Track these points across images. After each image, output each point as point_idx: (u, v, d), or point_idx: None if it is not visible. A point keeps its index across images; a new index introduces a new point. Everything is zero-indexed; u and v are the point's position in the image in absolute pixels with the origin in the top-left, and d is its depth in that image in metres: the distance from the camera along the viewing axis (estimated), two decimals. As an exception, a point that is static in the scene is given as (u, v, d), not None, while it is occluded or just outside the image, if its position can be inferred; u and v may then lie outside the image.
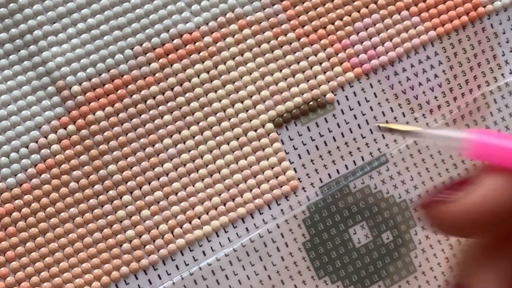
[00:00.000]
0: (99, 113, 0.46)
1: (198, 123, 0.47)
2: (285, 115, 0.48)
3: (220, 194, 0.47)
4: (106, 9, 0.46)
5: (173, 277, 0.47)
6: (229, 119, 0.48)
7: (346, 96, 0.49)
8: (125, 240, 0.46)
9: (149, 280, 0.47)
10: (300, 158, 0.48)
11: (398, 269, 0.49)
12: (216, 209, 0.47)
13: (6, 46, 0.46)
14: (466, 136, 0.36)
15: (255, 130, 0.48)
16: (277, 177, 0.48)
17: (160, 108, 0.47)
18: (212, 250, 0.47)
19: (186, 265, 0.47)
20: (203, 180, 0.47)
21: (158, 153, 0.47)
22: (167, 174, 0.47)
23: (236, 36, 0.48)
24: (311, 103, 0.48)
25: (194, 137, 0.47)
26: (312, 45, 0.48)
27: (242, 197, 0.48)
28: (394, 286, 0.49)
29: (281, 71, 0.48)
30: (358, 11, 0.49)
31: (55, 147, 0.46)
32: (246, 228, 0.48)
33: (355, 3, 0.49)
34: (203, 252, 0.47)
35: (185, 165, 0.47)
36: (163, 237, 0.47)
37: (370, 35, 0.49)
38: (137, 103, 0.47)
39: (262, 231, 0.48)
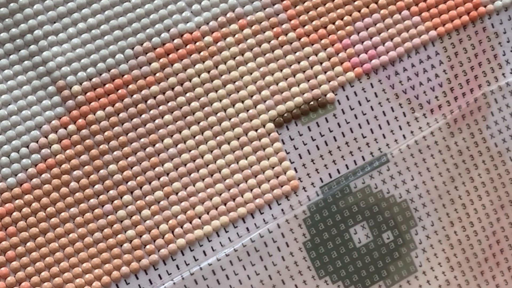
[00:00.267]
0: (100, 113, 0.46)
1: (198, 122, 0.47)
2: (285, 114, 0.48)
3: (220, 194, 0.47)
4: (106, 9, 0.46)
5: (173, 276, 0.47)
6: (230, 119, 0.48)
7: (346, 96, 0.49)
8: (125, 239, 0.46)
9: (149, 280, 0.47)
10: (301, 157, 0.48)
11: (399, 269, 0.49)
12: (216, 208, 0.47)
13: (6, 46, 0.46)
14: None
15: (256, 130, 0.48)
16: (277, 177, 0.48)
17: (161, 107, 0.47)
18: (213, 250, 0.47)
19: (187, 265, 0.47)
20: (203, 179, 0.47)
21: (159, 152, 0.47)
22: (168, 174, 0.47)
23: (236, 35, 0.48)
24: (312, 102, 0.48)
25: (194, 136, 0.47)
26: (312, 44, 0.48)
27: (242, 196, 0.48)
28: (395, 285, 0.49)
29: (281, 70, 0.48)
30: (359, 11, 0.49)
31: (55, 146, 0.46)
32: (247, 228, 0.48)
33: (356, 2, 0.49)
34: (204, 252, 0.47)
35: (185, 164, 0.47)
36: (163, 237, 0.47)
37: (371, 35, 0.49)
38: (138, 103, 0.47)
39: (263, 231, 0.48)
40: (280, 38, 0.48)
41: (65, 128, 0.46)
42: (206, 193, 0.47)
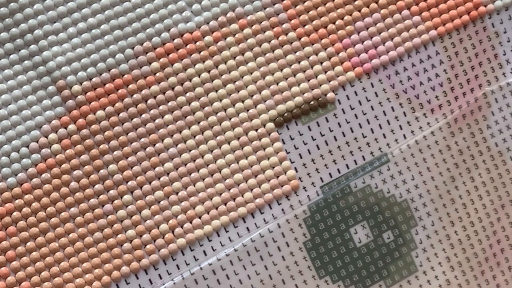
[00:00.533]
0: (100, 113, 0.46)
1: (199, 122, 0.47)
2: (286, 114, 0.48)
3: (221, 194, 0.47)
4: (106, 9, 0.46)
5: (174, 276, 0.47)
6: (230, 119, 0.48)
7: (347, 95, 0.49)
8: (125, 239, 0.46)
9: (149, 279, 0.47)
10: (301, 157, 0.48)
11: (399, 269, 0.49)
12: (217, 208, 0.47)
13: (6, 46, 0.45)
14: None
15: (256, 130, 0.48)
16: (278, 177, 0.48)
17: (161, 107, 0.47)
18: (213, 250, 0.47)
19: (187, 264, 0.47)
20: (203, 179, 0.47)
21: (159, 152, 0.47)
22: (168, 174, 0.47)
23: (236, 35, 0.48)
24: (312, 102, 0.48)
25: (194, 136, 0.47)
26: (313, 44, 0.48)
27: (243, 196, 0.48)
28: (395, 285, 0.49)
29: (282, 70, 0.48)
30: (359, 10, 0.49)
31: (55, 146, 0.46)
32: (247, 228, 0.48)
33: (356, 2, 0.49)
34: (204, 251, 0.47)
35: (185, 164, 0.47)
36: (163, 237, 0.47)
37: (371, 34, 0.49)
38: (138, 103, 0.47)
39: (263, 230, 0.48)
40: (280, 38, 0.48)
41: (65, 128, 0.46)
42: (207, 193, 0.47)
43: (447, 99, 0.50)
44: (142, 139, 0.47)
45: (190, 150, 0.47)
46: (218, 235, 0.47)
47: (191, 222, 0.47)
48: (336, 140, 0.49)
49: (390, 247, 0.49)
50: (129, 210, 0.46)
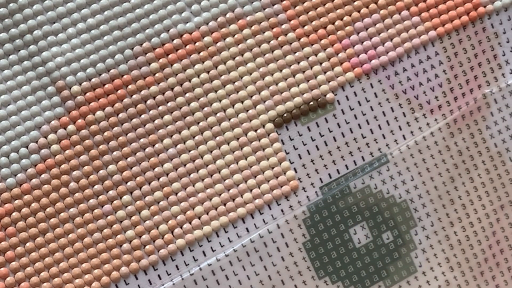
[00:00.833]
0: (99, 113, 0.46)
1: (198, 123, 0.47)
2: (285, 115, 0.48)
3: (220, 194, 0.47)
4: (106, 9, 0.46)
5: (173, 277, 0.47)
6: (229, 119, 0.47)
7: (346, 96, 0.49)
8: (125, 240, 0.46)
9: (149, 280, 0.47)
10: (301, 158, 0.48)
11: (399, 269, 0.49)
12: (216, 209, 0.47)
13: (6, 46, 0.45)
14: None
15: (255, 130, 0.48)
16: (277, 177, 0.48)
17: (160, 108, 0.47)
18: (212, 250, 0.47)
19: (186, 265, 0.47)
20: (203, 180, 0.47)
21: (158, 153, 0.47)
22: (167, 174, 0.47)
23: (236, 36, 0.48)
24: (312, 103, 0.48)
25: (194, 137, 0.47)
26: (312, 45, 0.48)
27: (242, 197, 0.48)
28: (395, 286, 0.49)
29: (281, 71, 0.48)
30: (359, 11, 0.49)
31: (55, 147, 0.46)
32: (247, 228, 0.48)
33: (356, 2, 0.49)
34: (203, 252, 0.47)
35: (185, 165, 0.47)
36: (163, 237, 0.47)
37: (371, 35, 0.49)
38: (137, 103, 0.47)
39: (262, 231, 0.48)
40: (279, 39, 0.48)
41: (65, 129, 0.46)
42: (206, 194, 0.47)
43: (447, 100, 0.50)
44: (142, 140, 0.47)
45: (189, 151, 0.47)
46: (218, 236, 0.47)
47: (190, 223, 0.47)
48: (335, 140, 0.49)
49: (389, 248, 0.49)
50: (129, 210, 0.46)
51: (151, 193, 0.47)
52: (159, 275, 0.47)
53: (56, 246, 0.46)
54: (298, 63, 0.48)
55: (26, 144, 0.46)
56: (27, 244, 0.45)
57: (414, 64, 0.49)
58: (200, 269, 0.47)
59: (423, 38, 0.49)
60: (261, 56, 0.48)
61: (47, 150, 0.46)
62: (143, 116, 0.47)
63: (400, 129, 0.49)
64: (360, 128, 0.49)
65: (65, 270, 0.46)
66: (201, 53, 0.47)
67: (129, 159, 0.47)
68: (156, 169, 0.47)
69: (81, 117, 0.46)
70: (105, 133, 0.46)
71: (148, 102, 0.47)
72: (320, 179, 0.48)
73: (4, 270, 0.45)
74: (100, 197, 0.46)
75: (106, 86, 0.46)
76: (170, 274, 0.47)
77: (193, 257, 0.47)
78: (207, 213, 0.47)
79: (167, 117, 0.47)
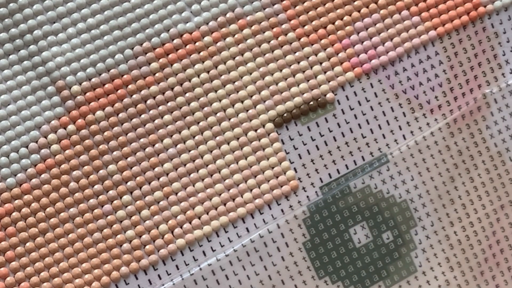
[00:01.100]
0: (99, 113, 0.46)
1: (198, 123, 0.47)
2: (285, 114, 0.48)
3: (220, 194, 0.47)
4: (106, 9, 0.46)
5: (173, 277, 0.47)
6: (229, 119, 0.47)
7: (346, 96, 0.49)
8: (125, 240, 0.46)
9: (149, 280, 0.47)
10: (301, 158, 0.48)
11: (399, 269, 0.49)
12: (216, 209, 0.47)
13: (6, 46, 0.45)
14: None
15: (255, 130, 0.48)
16: (277, 177, 0.48)
17: (160, 108, 0.47)
18: (212, 250, 0.47)
19: (186, 265, 0.47)
20: (203, 180, 0.47)
21: (158, 153, 0.47)
22: (167, 174, 0.47)
23: (236, 35, 0.48)
24: (312, 102, 0.48)
25: (194, 137, 0.47)
26: (312, 44, 0.48)
27: (242, 197, 0.48)
28: (395, 286, 0.49)
29: (281, 70, 0.48)
30: (359, 11, 0.49)
31: (55, 147, 0.46)
32: (247, 228, 0.48)
33: (356, 2, 0.49)
34: (203, 252, 0.47)
35: (185, 165, 0.47)
36: (163, 237, 0.47)
37: (371, 35, 0.49)
38: (137, 103, 0.47)
39: (263, 231, 0.48)
40: (280, 38, 0.48)
41: (65, 128, 0.46)
42: (206, 193, 0.47)
43: (447, 100, 0.50)
44: (142, 140, 0.47)
45: (189, 151, 0.47)
46: (218, 236, 0.47)
47: (190, 223, 0.47)
48: (335, 140, 0.49)
49: (389, 248, 0.49)
50: (129, 210, 0.46)
51: (151, 193, 0.47)
52: (159, 275, 0.47)
53: (56, 246, 0.46)
54: (298, 63, 0.48)
55: (26, 144, 0.46)
56: (27, 244, 0.45)
57: (414, 64, 0.49)
58: (200, 269, 0.47)
59: (423, 38, 0.49)
60: (261, 56, 0.48)
61: (47, 150, 0.46)
62: (143, 116, 0.47)
63: (400, 129, 0.49)
64: (360, 128, 0.49)
65: (65, 270, 0.46)
66: (201, 53, 0.47)
67: (129, 159, 0.46)
68: (156, 169, 0.47)
69: (81, 117, 0.46)
70: (105, 133, 0.46)
71: (148, 102, 0.47)
72: (320, 179, 0.48)
73: (4, 270, 0.45)
74: (100, 197, 0.46)
75: (106, 86, 0.46)
76: (170, 274, 0.47)
77: (193, 257, 0.47)
78: (207, 213, 0.47)
79: (167, 117, 0.47)
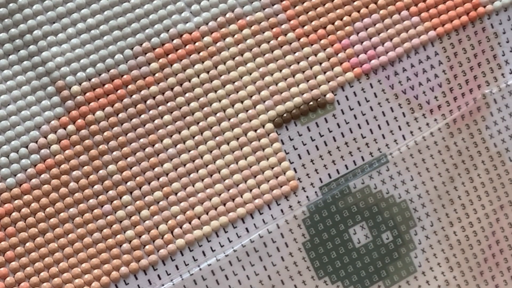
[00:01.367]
0: (99, 113, 0.46)
1: (198, 123, 0.47)
2: (285, 115, 0.48)
3: (220, 194, 0.47)
4: (105, 9, 0.46)
5: (172, 277, 0.47)
6: (229, 119, 0.48)
7: (346, 96, 0.49)
8: (124, 240, 0.46)
9: (148, 280, 0.47)
10: (300, 158, 0.48)
11: (398, 269, 0.49)
12: (216, 209, 0.47)
13: (5, 46, 0.45)
14: None
15: (255, 130, 0.48)
16: (277, 177, 0.48)
17: (160, 108, 0.47)
18: (212, 251, 0.47)
19: (186, 265, 0.47)
20: (203, 180, 0.47)
21: (158, 153, 0.47)
22: (167, 174, 0.47)
23: (236, 36, 0.48)
24: (311, 103, 0.48)
25: (194, 137, 0.47)
26: (312, 45, 0.48)
27: (242, 197, 0.48)
28: (394, 286, 0.49)
29: (281, 71, 0.48)
30: (358, 11, 0.49)
31: (54, 147, 0.46)
32: (246, 228, 0.48)
33: (355, 3, 0.49)
34: (203, 252, 0.47)
35: (185, 165, 0.47)
36: (162, 237, 0.47)
37: (370, 35, 0.49)
38: (137, 103, 0.47)
39: (262, 231, 0.48)
40: (279, 39, 0.48)
41: (65, 129, 0.46)
42: (206, 194, 0.47)
43: (446, 100, 0.50)
44: (141, 140, 0.47)
45: (189, 151, 0.47)
46: (217, 236, 0.47)
47: (190, 223, 0.47)
48: (335, 140, 0.49)
49: (389, 248, 0.49)
50: (128, 210, 0.46)
51: (150, 193, 0.47)
52: (158, 275, 0.47)
53: (56, 246, 0.46)
54: (298, 63, 0.48)
55: (26, 144, 0.46)
56: (27, 244, 0.45)
57: (414, 64, 0.49)
58: (200, 269, 0.47)
59: (423, 38, 0.49)
60: (261, 56, 0.48)
61: (46, 150, 0.46)
62: (142, 116, 0.47)
63: (400, 129, 0.49)
64: (360, 128, 0.49)
65: (64, 270, 0.46)
66: (201, 53, 0.47)
67: (128, 159, 0.47)
68: (155, 169, 0.47)
69: (80, 117, 0.46)
70: (105, 133, 0.46)
71: (148, 102, 0.47)
72: (320, 179, 0.48)
73: (4, 270, 0.45)
74: (100, 197, 0.46)
75: (106, 86, 0.46)
76: (170, 274, 0.47)
77: (193, 257, 0.47)
78: (207, 213, 0.47)
79: (166, 117, 0.47)
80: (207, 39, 0.47)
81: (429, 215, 0.50)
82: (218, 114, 0.47)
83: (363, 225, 0.49)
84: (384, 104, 0.49)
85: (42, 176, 0.46)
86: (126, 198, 0.46)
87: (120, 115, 0.46)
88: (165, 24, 0.47)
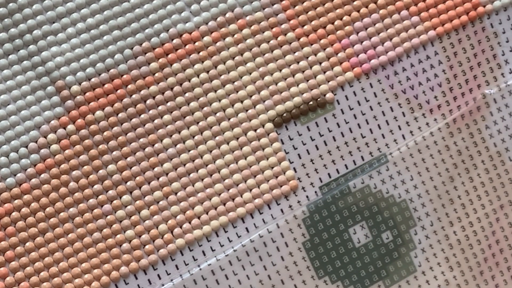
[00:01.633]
0: (99, 113, 0.46)
1: (197, 122, 0.47)
2: (284, 114, 0.48)
3: (219, 194, 0.47)
4: (105, 9, 0.46)
5: (172, 277, 0.47)
6: (229, 119, 0.48)
7: (346, 96, 0.49)
8: (124, 240, 0.46)
9: (148, 280, 0.47)
10: (300, 157, 0.48)
11: (398, 269, 0.49)
12: (216, 209, 0.47)
13: (5, 46, 0.45)
14: None
15: (255, 130, 0.48)
16: (277, 177, 0.48)
17: (160, 107, 0.47)
18: (212, 250, 0.47)
19: (186, 265, 0.47)
20: (202, 180, 0.47)
21: (158, 152, 0.47)
22: (167, 174, 0.47)
23: (235, 35, 0.48)
24: (311, 102, 0.48)
25: (193, 136, 0.47)
26: (311, 44, 0.48)
27: (242, 197, 0.48)
28: (394, 285, 0.49)
29: (280, 70, 0.48)
30: (358, 11, 0.49)
31: (54, 147, 0.46)
32: (246, 228, 0.48)
33: (355, 2, 0.49)
34: (203, 252, 0.47)
35: (184, 164, 0.47)
36: (162, 237, 0.47)
37: (370, 35, 0.49)
38: (137, 103, 0.47)
39: (262, 231, 0.48)
40: (279, 38, 0.48)
41: (64, 128, 0.46)
42: (206, 193, 0.47)
43: (446, 100, 0.50)
44: (141, 140, 0.47)
45: (189, 151, 0.47)
46: (217, 236, 0.47)
47: (190, 223, 0.47)
48: (335, 140, 0.49)
49: (389, 248, 0.49)
50: (128, 210, 0.46)
51: (150, 193, 0.47)
52: (158, 275, 0.47)
53: (56, 246, 0.46)
54: (298, 62, 0.48)
55: (25, 144, 0.46)
56: (27, 244, 0.45)
57: (414, 64, 0.49)
58: (200, 268, 0.47)
59: (423, 38, 0.49)
60: (261, 56, 0.48)
61: (46, 150, 0.46)
62: (142, 116, 0.47)
63: (400, 129, 0.49)
64: (360, 128, 0.49)
65: (64, 269, 0.46)
66: (201, 53, 0.47)
67: (128, 158, 0.47)
68: (155, 169, 0.47)
69: (80, 117, 0.46)
70: (105, 133, 0.46)
71: (148, 102, 0.47)
72: (320, 178, 0.48)
73: (4, 269, 0.45)
74: (100, 196, 0.46)
75: (106, 86, 0.46)
76: (170, 273, 0.47)
77: (193, 256, 0.47)
78: (207, 213, 0.47)
79: (166, 117, 0.47)
80: (206, 38, 0.47)
81: (429, 214, 0.50)
82: (218, 114, 0.47)
83: (363, 224, 0.49)
84: (383, 104, 0.49)
85: (42, 176, 0.46)
86: (126, 197, 0.46)
87: (120, 115, 0.46)
88: (164, 24, 0.47)
